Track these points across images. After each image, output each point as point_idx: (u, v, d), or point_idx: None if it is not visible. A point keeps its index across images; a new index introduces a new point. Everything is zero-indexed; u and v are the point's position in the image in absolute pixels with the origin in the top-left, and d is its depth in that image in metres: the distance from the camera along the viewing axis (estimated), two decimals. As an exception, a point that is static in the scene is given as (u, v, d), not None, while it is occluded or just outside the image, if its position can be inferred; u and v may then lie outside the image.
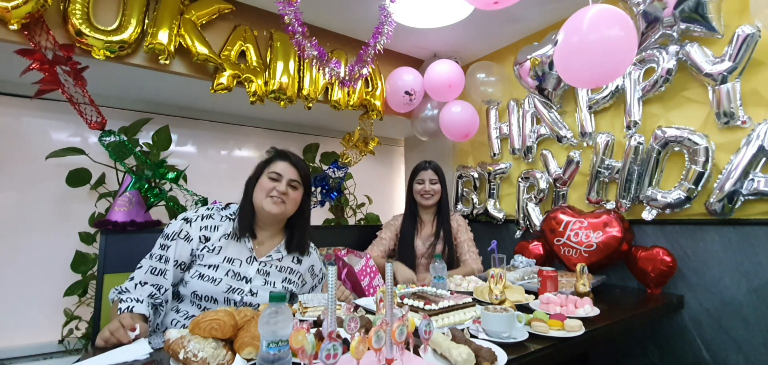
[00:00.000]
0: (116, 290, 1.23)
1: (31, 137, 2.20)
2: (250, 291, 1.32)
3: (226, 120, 2.84)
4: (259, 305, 1.32)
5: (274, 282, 1.38)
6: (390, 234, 2.19)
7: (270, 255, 1.40)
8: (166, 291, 1.27)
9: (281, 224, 1.45)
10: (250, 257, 1.37)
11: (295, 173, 1.40)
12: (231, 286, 1.30)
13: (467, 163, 2.95)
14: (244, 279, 1.33)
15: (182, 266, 1.31)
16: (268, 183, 1.36)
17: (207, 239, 1.34)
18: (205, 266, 1.31)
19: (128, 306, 1.15)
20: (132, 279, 1.27)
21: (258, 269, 1.36)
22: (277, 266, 1.40)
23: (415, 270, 2.04)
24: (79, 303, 2.10)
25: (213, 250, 1.33)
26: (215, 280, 1.29)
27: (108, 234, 1.75)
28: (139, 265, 1.30)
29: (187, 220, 1.35)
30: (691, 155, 1.76)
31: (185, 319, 1.29)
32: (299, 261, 1.47)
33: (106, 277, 1.67)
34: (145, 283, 1.25)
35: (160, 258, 1.29)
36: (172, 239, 1.31)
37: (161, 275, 1.27)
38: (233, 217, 1.41)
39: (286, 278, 1.41)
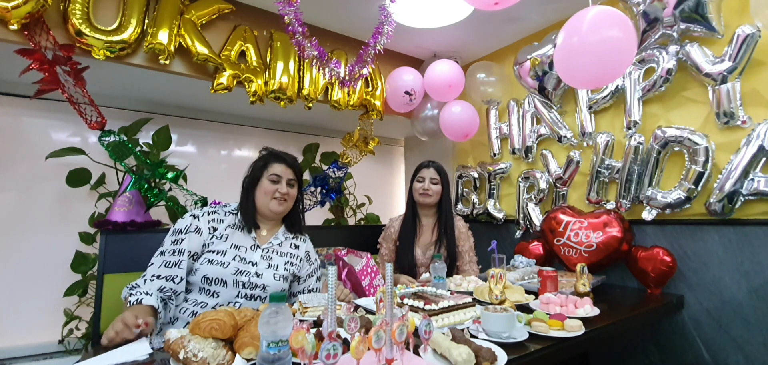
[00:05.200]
0: (128, 287, 1.26)
1: (31, 137, 2.20)
2: (256, 273, 1.41)
3: (226, 120, 2.84)
4: (264, 286, 1.41)
5: (278, 265, 1.47)
6: (390, 246, 2.14)
7: (271, 242, 1.50)
8: (180, 280, 1.31)
9: (281, 216, 1.56)
10: (254, 245, 1.46)
11: (292, 173, 1.52)
12: (238, 269, 1.38)
13: (467, 163, 2.95)
14: (251, 263, 1.41)
15: (194, 257, 1.38)
16: (270, 186, 1.47)
17: (215, 230, 1.43)
18: (213, 252, 1.38)
19: (137, 299, 1.18)
20: (143, 276, 1.30)
21: (262, 255, 1.46)
22: (278, 252, 1.50)
23: (415, 278, 2.00)
24: (79, 303, 2.10)
25: (221, 238, 1.42)
26: (224, 263, 1.36)
27: (108, 234, 1.75)
28: (150, 262, 1.34)
29: (195, 216, 1.43)
30: (691, 155, 1.76)
31: (195, 306, 1.34)
32: (296, 246, 1.57)
33: (106, 277, 1.67)
34: (157, 276, 1.29)
35: (174, 252, 1.34)
36: (185, 233, 1.37)
37: (176, 266, 1.32)
38: (235, 212, 1.50)
39: (288, 261, 1.51)
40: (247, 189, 1.50)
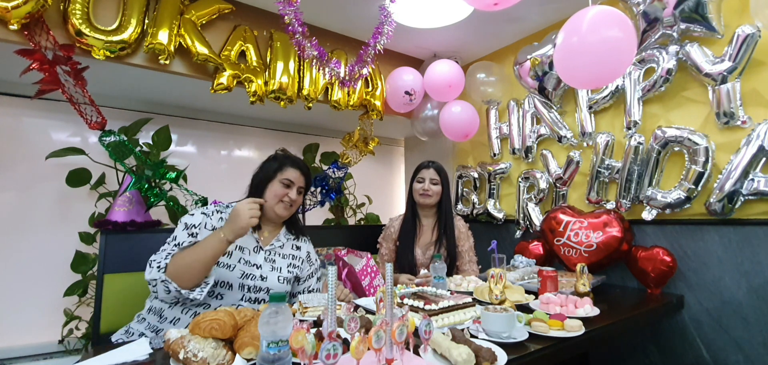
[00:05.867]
0: (160, 259, 1.22)
1: (31, 137, 2.20)
2: (261, 276, 1.41)
3: (226, 120, 2.84)
4: (268, 288, 1.41)
5: (281, 267, 1.48)
6: (390, 246, 2.14)
7: (273, 244, 1.50)
8: None
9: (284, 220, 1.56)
10: (257, 246, 1.46)
11: (303, 181, 1.52)
12: (244, 272, 1.39)
13: (467, 163, 2.95)
14: (255, 266, 1.41)
15: None
16: (281, 189, 1.47)
17: None
18: None
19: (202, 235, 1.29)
20: (163, 251, 1.27)
21: (265, 258, 1.46)
22: (280, 254, 1.51)
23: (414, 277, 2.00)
24: (79, 303, 2.10)
25: None
26: (230, 266, 1.36)
27: (108, 234, 1.75)
28: (162, 248, 1.29)
29: (205, 214, 1.42)
30: (691, 155, 1.76)
31: (197, 307, 1.33)
32: (298, 248, 1.57)
33: (106, 277, 1.67)
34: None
35: (191, 234, 1.33)
36: (199, 228, 1.36)
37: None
38: None
39: (290, 263, 1.51)
40: (257, 187, 1.49)
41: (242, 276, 1.37)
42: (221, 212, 1.45)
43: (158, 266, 1.20)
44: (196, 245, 1.24)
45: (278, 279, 1.44)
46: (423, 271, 1.85)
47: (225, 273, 1.34)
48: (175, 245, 1.31)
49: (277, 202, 1.46)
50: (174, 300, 1.27)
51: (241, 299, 1.37)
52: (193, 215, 1.40)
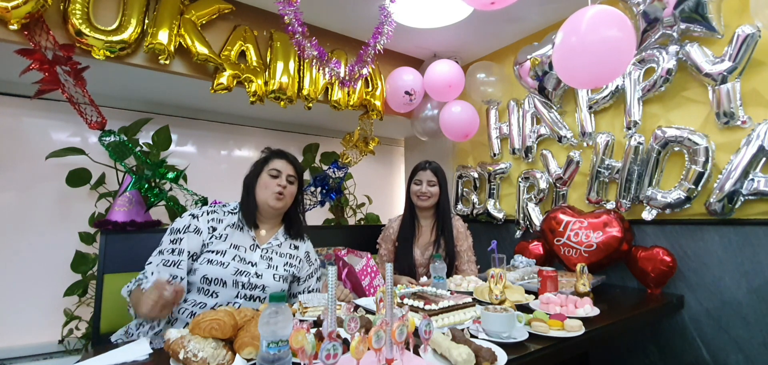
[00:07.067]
0: (131, 283, 1.26)
1: (31, 137, 2.20)
2: (256, 273, 1.40)
3: (226, 120, 2.84)
4: (264, 286, 1.40)
5: (277, 266, 1.47)
6: (389, 247, 2.14)
7: (270, 242, 1.49)
8: (181, 280, 1.30)
9: (280, 215, 1.55)
10: (253, 245, 1.45)
11: (292, 169, 1.52)
12: (238, 269, 1.38)
13: (467, 163, 2.95)
14: (250, 263, 1.41)
15: (193, 257, 1.36)
16: (269, 181, 1.46)
17: (214, 230, 1.42)
18: (213, 252, 1.38)
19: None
20: (143, 273, 1.29)
21: (261, 255, 1.45)
22: (277, 252, 1.49)
23: (415, 279, 2.00)
24: (79, 303, 2.10)
25: (220, 238, 1.41)
26: (223, 263, 1.36)
27: (108, 234, 1.75)
28: (148, 262, 1.33)
29: (194, 216, 1.42)
30: (691, 155, 1.76)
31: (193, 307, 1.33)
32: (296, 247, 1.57)
33: (106, 277, 1.67)
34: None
35: (173, 251, 1.33)
36: (183, 233, 1.36)
37: (175, 266, 1.30)
38: (235, 211, 1.49)
39: (287, 262, 1.50)
40: (248, 186, 1.50)
41: (236, 273, 1.36)
42: (214, 212, 1.45)
43: (128, 288, 1.26)
44: (143, 294, 1.14)
45: (274, 277, 1.43)
46: (423, 279, 1.85)
47: (219, 271, 1.34)
48: (159, 252, 1.34)
49: (269, 193, 1.45)
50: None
51: (236, 297, 1.36)
52: (181, 218, 1.41)
